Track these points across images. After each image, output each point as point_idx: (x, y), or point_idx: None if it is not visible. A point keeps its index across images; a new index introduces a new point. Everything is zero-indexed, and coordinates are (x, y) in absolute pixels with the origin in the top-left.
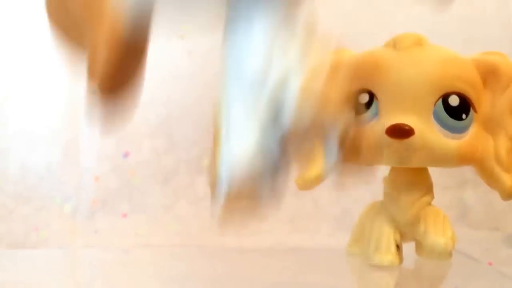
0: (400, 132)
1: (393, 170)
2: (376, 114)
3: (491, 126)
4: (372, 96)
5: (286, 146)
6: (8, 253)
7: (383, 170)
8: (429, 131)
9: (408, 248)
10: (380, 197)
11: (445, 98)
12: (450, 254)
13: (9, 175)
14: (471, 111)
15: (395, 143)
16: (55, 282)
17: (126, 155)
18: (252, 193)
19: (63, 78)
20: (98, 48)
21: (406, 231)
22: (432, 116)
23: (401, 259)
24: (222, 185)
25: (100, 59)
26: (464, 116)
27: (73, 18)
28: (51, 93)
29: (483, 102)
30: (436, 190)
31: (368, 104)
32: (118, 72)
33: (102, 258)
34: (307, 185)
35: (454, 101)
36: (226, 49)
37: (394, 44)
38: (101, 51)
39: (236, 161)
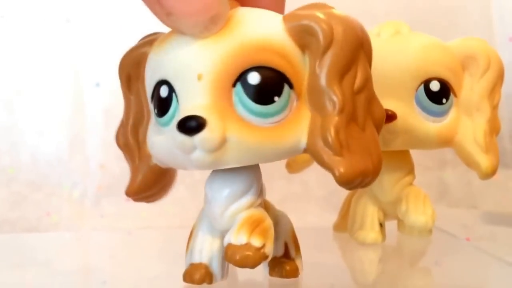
0: None
1: None
2: None
3: (470, 110)
4: None
5: None
6: (23, 237)
7: None
8: (411, 115)
9: (391, 226)
10: None
11: (426, 84)
12: (430, 231)
13: (21, 164)
14: (451, 96)
15: None
16: (66, 263)
17: None
18: None
19: (66, 71)
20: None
21: (389, 210)
22: (414, 101)
23: (384, 236)
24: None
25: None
26: (444, 100)
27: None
28: (59, 88)
29: (462, 87)
30: (417, 170)
31: None
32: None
33: (108, 240)
34: (297, 168)
35: (434, 86)
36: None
37: (378, 32)
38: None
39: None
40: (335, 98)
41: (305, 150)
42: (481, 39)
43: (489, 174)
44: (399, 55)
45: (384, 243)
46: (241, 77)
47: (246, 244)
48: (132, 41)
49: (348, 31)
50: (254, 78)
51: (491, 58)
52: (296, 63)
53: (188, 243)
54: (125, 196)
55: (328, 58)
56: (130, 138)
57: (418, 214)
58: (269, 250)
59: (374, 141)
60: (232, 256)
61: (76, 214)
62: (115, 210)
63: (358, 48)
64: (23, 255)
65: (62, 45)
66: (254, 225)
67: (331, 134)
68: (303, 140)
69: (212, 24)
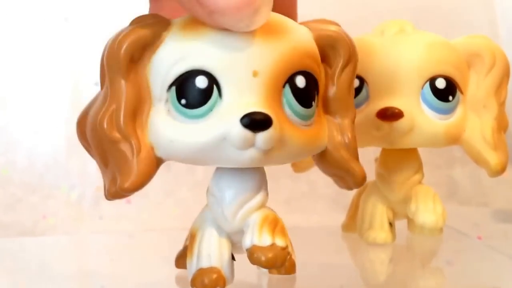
0: (390, 114)
1: (384, 151)
2: (367, 98)
3: (476, 107)
4: (362, 81)
5: None
6: (18, 241)
7: (375, 152)
8: (417, 113)
9: (401, 225)
10: (372, 177)
11: (432, 81)
12: (441, 230)
13: (17, 165)
14: (457, 93)
15: (385, 125)
16: (64, 267)
17: None
18: None
19: (64, 70)
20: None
21: (398, 209)
22: (420, 99)
23: (394, 236)
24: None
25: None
26: (450, 98)
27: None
28: (53, 85)
29: (468, 84)
30: (426, 169)
31: (359, 89)
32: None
33: (108, 243)
34: (303, 167)
35: (440, 83)
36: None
37: (382, 31)
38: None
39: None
40: (350, 109)
41: (322, 153)
42: (486, 36)
43: (498, 171)
44: (404, 53)
45: (394, 243)
46: (289, 80)
47: (272, 245)
48: None
49: (355, 50)
50: (301, 81)
51: (496, 55)
52: (321, 71)
53: (191, 247)
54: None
55: (347, 71)
56: (125, 127)
57: (428, 213)
58: (290, 248)
59: None
60: (259, 258)
61: (74, 217)
62: (115, 212)
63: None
64: (17, 260)
65: (60, 43)
66: (273, 225)
67: (349, 136)
68: (324, 142)
69: (257, 16)
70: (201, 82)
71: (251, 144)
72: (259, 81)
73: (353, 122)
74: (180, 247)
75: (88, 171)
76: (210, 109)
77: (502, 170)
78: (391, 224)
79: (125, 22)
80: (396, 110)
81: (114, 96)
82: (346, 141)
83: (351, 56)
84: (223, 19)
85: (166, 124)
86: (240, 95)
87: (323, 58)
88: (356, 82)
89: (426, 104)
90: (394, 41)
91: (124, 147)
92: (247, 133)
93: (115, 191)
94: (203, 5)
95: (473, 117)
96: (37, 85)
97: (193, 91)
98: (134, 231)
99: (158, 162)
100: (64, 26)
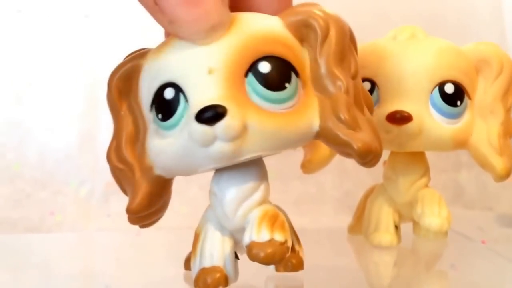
0: (399, 118)
1: (392, 154)
2: (377, 101)
3: (484, 112)
4: (373, 84)
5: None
6: (24, 238)
7: (383, 154)
8: (426, 117)
9: (406, 228)
10: (380, 180)
11: (441, 86)
12: (445, 234)
13: (27, 160)
14: (466, 98)
15: (394, 128)
16: (68, 265)
17: None
18: None
19: (82, 67)
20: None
21: (404, 212)
22: (429, 103)
23: (399, 238)
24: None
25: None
26: (458, 102)
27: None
28: (70, 81)
29: (476, 90)
30: (432, 172)
31: (370, 92)
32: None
33: (115, 241)
34: (312, 169)
35: (449, 89)
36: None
37: (394, 36)
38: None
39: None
40: (339, 81)
41: (318, 134)
42: (494, 43)
43: (503, 176)
44: (415, 58)
45: (400, 245)
46: (252, 68)
47: (270, 240)
48: (149, 38)
49: (339, 23)
50: (264, 67)
51: (504, 62)
52: (298, 53)
53: (194, 247)
54: None
55: (327, 47)
56: (127, 154)
57: (433, 216)
58: (290, 243)
59: (375, 124)
60: (258, 254)
61: (82, 214)
62: (123, 210)
63: (348, 39)
64: (22, 257)
65: (80, 40)
66: (272, 221)
67: (342, 111)
68: (315, 123)
69: (213, 31)
70: (168, 93)
71: (212, 138)
72: (216, 76)
73: (347, 92)
74: (187, 246)
75: (99, 167)
76: (182, 116)
77: (507, 175)
78: (396, 227)
79: (143, 20)
80: (405, 114)
81: (116, 130)
82: (341, 115)
83: (328, 29)
84: (180, 29)
85: (155, 141)
86: (202, 94)
87: (303, 39)
88: (367, 85)
89: (435, 109)
90: (406, 46)
91: (128, 173)
92: (204, 127)
93: (128, 216)
94: (164, 14)
95: (480, 122)
96: (55, 81)
97: (164, 104)
98: (141, 229)
99: (159, 180)
100: (84, 23)
